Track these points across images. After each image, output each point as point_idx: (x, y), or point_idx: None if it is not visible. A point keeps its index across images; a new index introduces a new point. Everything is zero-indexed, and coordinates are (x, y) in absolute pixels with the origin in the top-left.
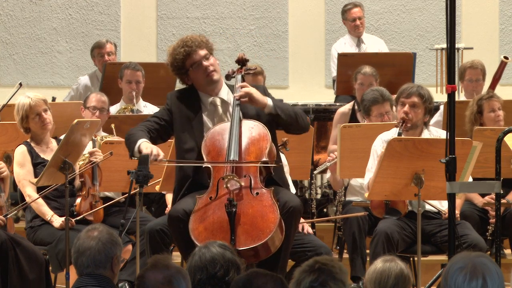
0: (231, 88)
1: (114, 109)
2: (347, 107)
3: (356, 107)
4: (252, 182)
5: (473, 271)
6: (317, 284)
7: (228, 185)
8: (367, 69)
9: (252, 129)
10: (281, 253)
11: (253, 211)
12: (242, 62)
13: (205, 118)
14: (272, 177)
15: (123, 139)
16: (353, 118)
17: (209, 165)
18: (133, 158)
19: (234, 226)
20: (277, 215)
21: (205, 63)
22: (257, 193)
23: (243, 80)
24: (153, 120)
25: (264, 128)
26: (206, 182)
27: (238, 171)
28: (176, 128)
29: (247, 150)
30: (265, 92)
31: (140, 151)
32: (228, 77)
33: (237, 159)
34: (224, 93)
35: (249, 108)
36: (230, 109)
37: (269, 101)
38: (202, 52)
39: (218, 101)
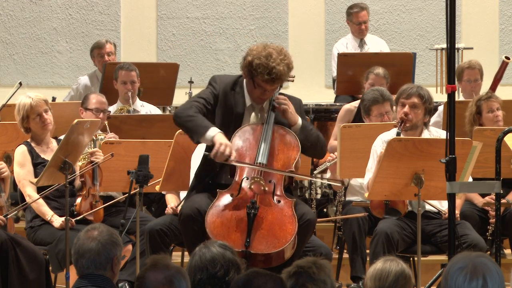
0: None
1: (111, 110)
2: (353, 105)
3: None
4: (276, 189)
5: (473, 271)
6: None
7: (253, 187)
8: (380, 70)
9: (284, 136)
10: (289, 261)
11: (273, 218)
12: None
13: (245, 115)
14: (290, 188)
15: (122, 139)
16: (358, 116)
17: (268, 170)
18: (206, 154)
19: (252, 228)
20: (295, 227)
21: (268, 94)
22: (279, 201)
23: (281, 86)
24: (202, 102)
25: (296, 139)
26: (225, 180)
27: (264, 175)
28: (218, 115)
29: (276, 157)
30: (300, 108)
31: (213, 143)
32: None
33: (265, 163)
34: None
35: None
36: (265, 115)
37: (299, 121)
38: (276, 86)
39: (257, 106)
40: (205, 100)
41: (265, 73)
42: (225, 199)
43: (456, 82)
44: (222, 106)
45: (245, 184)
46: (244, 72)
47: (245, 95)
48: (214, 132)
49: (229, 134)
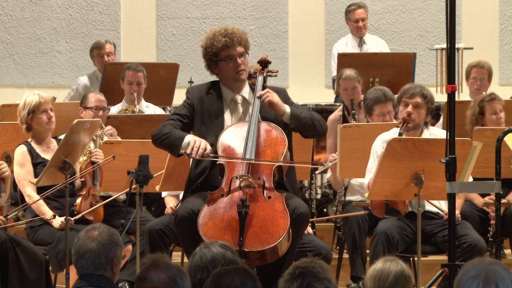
0: (253, 88)
1: (115, 109)
2: (336, 114)
3: (345, 112)
4: (266, 185)
5: (486, 280)
6: None
7: (242, 185)
8: (347, 72)
9: (270, 132)
10: (286, 258)
11: (264, 214)
12: (264, 63)
13: (226, 115)
14: (283, 182)
15: (123, 139)
16: (344, 122)
17: (256, 162)
18: (182, 153)
19: (244, 227)
20: (287, 221)
21: (239, 60)
22: (270, 197)
23: (264, 81)
24: (176, 118)
25: (282, 133)
26: (215, 181)
27: (252, 173)
28: (197, 123)
29: (263, 152)
30: (285, 96)
31: (188, 144)
32: (250, 76)
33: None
34: (246, 92)
35: (268, 111)
36: (250, 108)
37: (287, 110)
38: (240, 49)
39: (239, 99)
40: (179, 115)
41: (223, 40)
42: (216, 200)
43: (464, 80)
44: (200, 111)
45: (234, 183)
46: (209, 63)
47: (223, 93)
48: (188, 137)
49: (212, 136)
